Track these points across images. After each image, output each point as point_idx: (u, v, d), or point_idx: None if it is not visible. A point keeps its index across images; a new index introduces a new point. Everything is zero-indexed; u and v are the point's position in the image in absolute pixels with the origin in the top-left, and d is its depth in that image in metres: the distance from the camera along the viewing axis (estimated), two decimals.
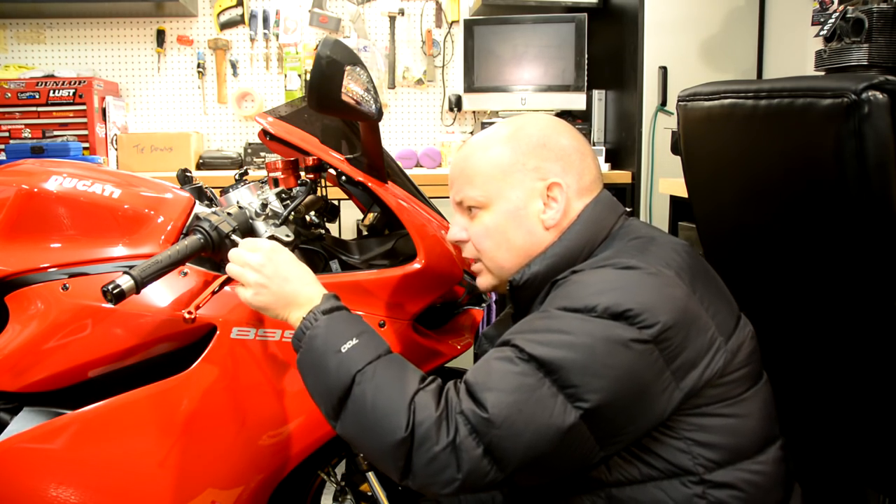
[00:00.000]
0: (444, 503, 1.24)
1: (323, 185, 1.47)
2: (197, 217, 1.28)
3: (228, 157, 3.05)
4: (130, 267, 1.08)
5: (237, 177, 1.36)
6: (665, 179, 2.39)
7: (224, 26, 3.20)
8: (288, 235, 1.23)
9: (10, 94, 2.80)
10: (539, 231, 1.07)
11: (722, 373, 0.97)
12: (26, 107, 2.82)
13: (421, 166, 3.10)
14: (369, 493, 1.43)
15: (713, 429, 0.98)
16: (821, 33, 1.78)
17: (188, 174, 1.43)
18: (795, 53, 2.60)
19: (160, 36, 3.19)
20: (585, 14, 2.94)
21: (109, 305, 1.08)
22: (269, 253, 1.10)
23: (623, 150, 2.87)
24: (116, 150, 2.96)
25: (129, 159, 2.92)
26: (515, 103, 2.97)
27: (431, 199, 1.47)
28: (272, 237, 1.21)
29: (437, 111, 3.32)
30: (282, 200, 1.28)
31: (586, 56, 2.94)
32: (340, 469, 1.51)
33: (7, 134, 2.81)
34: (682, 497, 0.97)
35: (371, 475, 1.34)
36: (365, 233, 1.54)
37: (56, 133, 2.80)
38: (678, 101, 1.35)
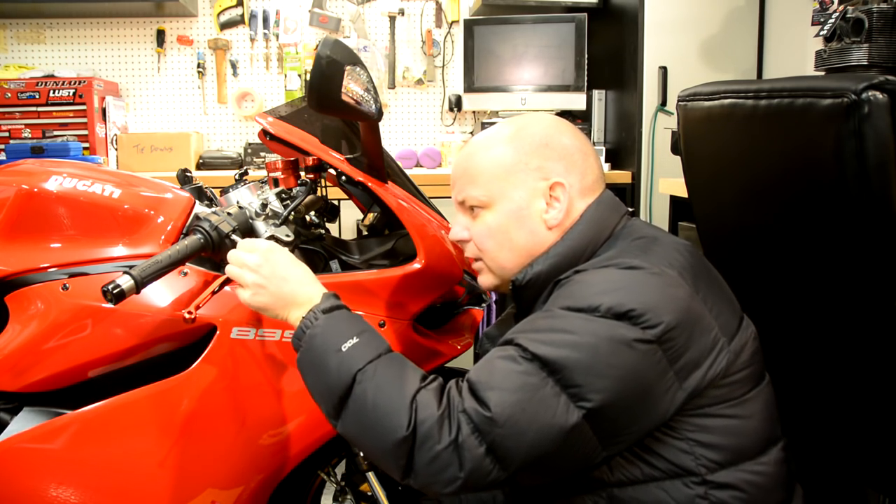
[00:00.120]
0: (445, 502, 1.24)
1: (323, 185, 1.47)
2: (197, 217, 1.28)
3: (228, 157, 3.05)
4: (130, 267, 1.08)
5: (237, 177, 1.36)
6: (665, 179, 2.39)
7: (224, 26, 3.20)
8: (288, 235, 1.23)
9: (10, 94, 2.80)
10: (541, 231, 1.07)
11: (725, 373, 0.97)
12: (26, 107, 2.82)
13: (421, 166, 3.10)
14: (369, 493, 1.43)
15: (716, 429, 0.97)
16: (821, 33, 1.79)
17: (188, 174, 1.43)
18: (795, 53, 2.60)
19: (160, 36, 3.19)
20: (585, 14, 2.94)
21: (109, 305, 1.08)
22: (265, 253, 1.10)
23: (623, 150, 2.87)
24: (116, 150, 2.96)
25: (129, 159, 2.92)
26: (515, 103, 2.97)
27: (431, 199, 1.47)
28: (272, 237, 1.21)
29: (437, 111, 3.32)
30: (282, 200, 1.28)
31: (586, 56, 2.94)
32: (340, 469, 1.51)
33: (7, 134, 2.81)
34: (684, 497, 0.97)
35: (371, 475, 1.34)
36: (365, 233, 1.54)
37: (56, 133, 2.80)
38: (678, 101, 1.35)
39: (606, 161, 2.92)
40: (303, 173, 1.33)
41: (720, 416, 0.98)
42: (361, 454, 1.34)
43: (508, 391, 0.91)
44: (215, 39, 3.20)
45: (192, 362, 1.21)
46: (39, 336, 1.20)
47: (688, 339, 0.94)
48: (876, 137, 0.95)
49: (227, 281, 1.20)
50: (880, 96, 0.94)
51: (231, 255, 1.12)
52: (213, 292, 1.18)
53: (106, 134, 2.93)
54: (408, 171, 1.70)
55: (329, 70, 1.12)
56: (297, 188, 1.30)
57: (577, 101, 2.95)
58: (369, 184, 1.28)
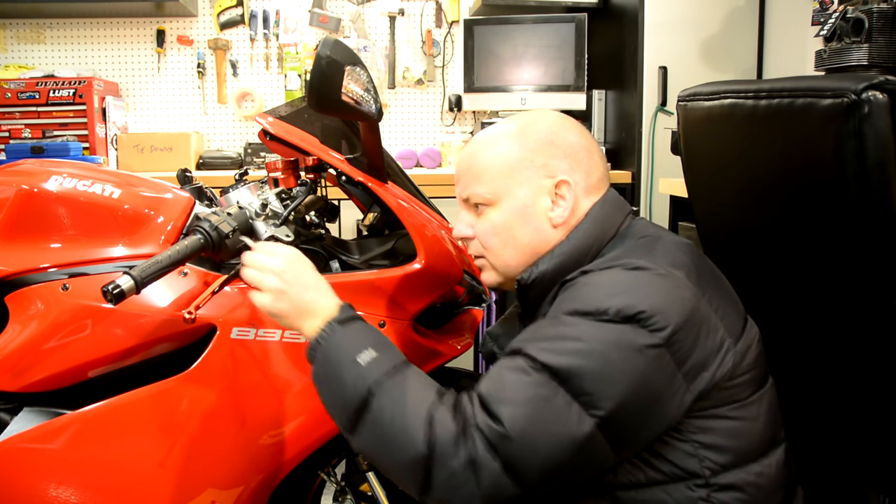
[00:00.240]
0: None
1: (323, 185, 1.47)
2: (197, 217, 1.28)
3: (228, 157, 3.05)
4: (130, 267, 1.07)
5: (237, 177, 1.36)
6: (665, 179, 2.39)
7: (224, 26, 3.20)
8: (288, 235, 1.23)
9: (10, 94, 2.80)
10: (546, 229, 1.06)
11: (731, 375, 0.97)
12: (26, 107, 2.82)
13: (421, 166, 3.10)
14: (369, 493, 1.43)
15: (720, 431, 0.97)
16: (821, 33, 1.79)
17: (188, 174, 1.43)
18: (795, 53, 2.60)
19: (160, 36, 3.19)
20: (585, 14, 2.94)
21: (109, 305, 1.08)
22: (290, 259, 1.08)
23: (623, 150, 2.87)
24: (116, 150, 2.96)
25: (129, 159, 2.92)
26: (515, 103, 2.97)
27: (431, 199, 1.47)
28: (272, 237, 1.21)
29: (437, 111, 3.32)
30: (282, 200, 1.28)
31: (586, 56, 2.94)
32: (340, 469, 1.51)
33: (7, 134, 2.81)
34: (687, 500, 0.96)
35: (371, 475, 1.34)
36: (365, 233, 1.54)
37: (56, 133, 2.80)
38: (678, 101, 1.35)
39: (606, 161, 2.92)
40: (303, 173, 1.33)
41: (725, 418, 0.97)
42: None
43: (520, 404, 0.89)
44: (215, 39, 3.20)
45: (192, 362, 1.21)
46: (39, 336, 1.20)
47: (695, 341, 0.94)
48: (876, 137, 0.95)
49: (228, 281, 1.20)
50: (880, 96, 0.94)
51: (250, 257, 1.10)
52: (213, 292, 1.18)
53: (106, 134, 2.93)
54: (408, 171, 1.70)
55: (329, 70, 1.12)
56: (297, 188, 1.30)
57: (577, 101, 2.95)
58: (369, 184, 1.28)
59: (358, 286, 1.27)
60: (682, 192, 1.53)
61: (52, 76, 2.91)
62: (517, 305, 1.23)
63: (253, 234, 1.23)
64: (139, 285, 1.06)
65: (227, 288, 1.21)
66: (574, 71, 2.94)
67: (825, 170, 1.02)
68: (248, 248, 1.15)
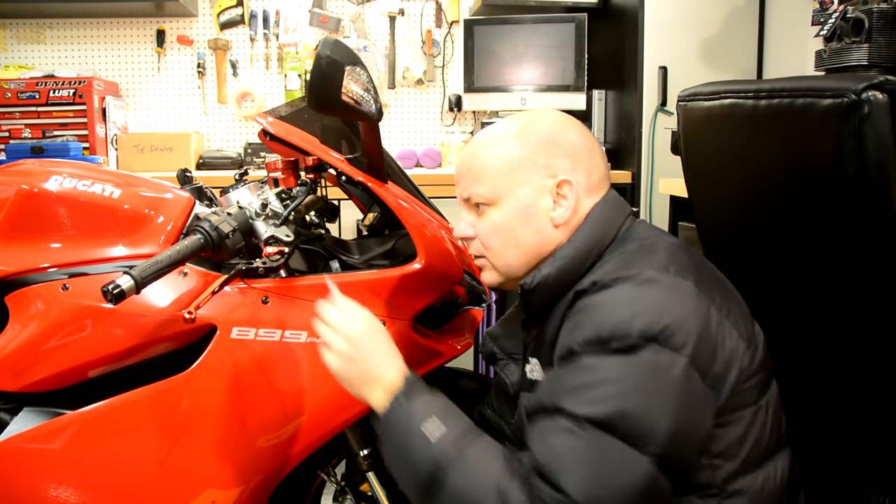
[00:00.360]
0: None
1: (323, 185, 1.47)
2: (197, 217, 1.28)
3: (228, 157, 3.05)
4: (130, 267, 1.07)
5: (237, 177, 1.36)
6: (665, 179, 2.39)
7: (224, 26, 3.20)
8: (288, 235, 1.23)
9: (10, 94, 2.80)
10: (548, 229, 1.06)
11: (746, 379, 0.97)
12: (26, 107, 2.82)
13: (421, 166, 3.10)
14: (369, 493, 1.43)
15: (730, 437, 0.97)
16: (821, 33, 1.79)
17: (188, 174, 1.43)
18: (795, 53, 2.60)
19: (160, 36, 3.19)
20: (585, 14, 2.94)
21: (109, 305, 1.08)
22: (367, 328, 1.06)
23: (623, 150, 2.87)
24: (116, 150, 2.96)
25: (129, 159, 2.92)
26: (515, 103, 2.97)
27: (431, 199, 1.47)
28: (272, 237, 1.21)
29: (437, 111, 3.32)
30: (282, 200, 1.28)
31: (586, 56, 2.94)
32: (340, 469, 1.51)
33: (7, 134, 2.81)
34: None
35: (371, 475, 1.34)
36: (365, 233, 1.54)
37: (56, 133, 2.80)
38: (678, 101, 1.35)
39: (607, 160, 2.92)
40: (303, 173, 1.33)
41: (734, 424, 0.97)
42: (362, 454, 1.34)
43: (578, 467, 0.88)
44: (215, 39, 3.20)
45: (192, 362, 1.21)
46: (39, 336, 1.20)
47: (714, 351, 0.93)
48: (876, 137, 0.95)
49: (227, 281, 1.20)
50: (880, 96, 0.94)
51: (328, 314, 1.08)
52: (213, 292, 1.18)
53: (106, 134, 2.93)
54: (408, 171, 1.70)
55: (329, 70, 1.12)
56: (297, 188, 1.30)
57: (577, 101, 2.95)
58: (369, 184, 1.28)
59: (358, 286, 1.27)
60: (682, 192, 1.53)
61: (52, 76, 2.91)
62: (517, 306, 1.23)
63: (253, 234, 1.23)
64: (139, 285, 1.06)
65: (227, 288, 1.21)
66: (574, 71, 2.94)
67: (825, 170, 1.02)
68: (247, 247, 1.15)
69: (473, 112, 3.29)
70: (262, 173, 1.36)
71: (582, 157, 1.07)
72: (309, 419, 1.25)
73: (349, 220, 2.54)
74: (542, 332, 1.08)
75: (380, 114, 1.19)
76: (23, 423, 1.24)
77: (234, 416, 1.23)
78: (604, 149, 2.94)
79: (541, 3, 3.01)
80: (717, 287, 1.01)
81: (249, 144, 3.10)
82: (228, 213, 1.21)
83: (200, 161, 3.04)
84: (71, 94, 2.82)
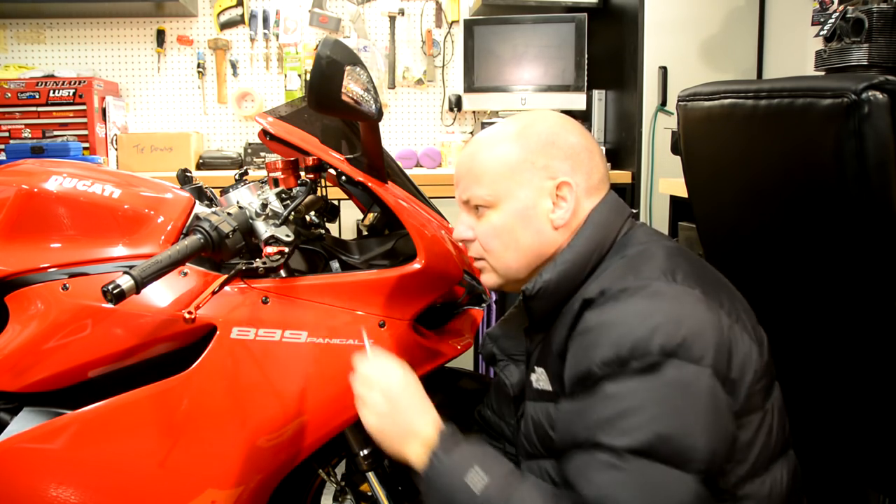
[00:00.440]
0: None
1: (323, 185, 1.47)
2: (197, 217, 1.28)
3: (228, 157, 3.05)
4: (130, 267, 1.08)
5: (237, 177, 1.36)
6: (665, 179, 2.39)
7: (224, 26, 3.20)
8: (288, 235, 1.23)
9: (10, 94, 2.80)
10: (548, 231, 1.06)
11: (756, 381, 0.97)
12: (26, 107, 2.82)
13: (421, 166, 3.10)
14: (369, 493, 1.43)
15: (741, 442, 0.96)
16: (821, 33, 1.79)
17: (188, 174, 1.43)
18: (795, 53, 2.60)
19: (160, 36, 3.19)
20: (585, 14, 2.94)
21: (109, 305, 1.08)
22: (403, 383, 1.06)
23: (623, 150, 2.87)
24: (116, 150, 2.96)
25: (129, 159, 2.92)
26: (515, 103, 2.97)
27: (431, 199, 1.47)
28: (272, 237, 1.21)
29: (437, 111, 3.32)
30: (282, 200, 1.28)
31: (586, 56, 2.94)
32: (340, 469, 1.51)
33: (7, 134, 2.81)
34: None
35: (371, 475, 1.34)
36: (365, 233, 1.54)
37: (56, 133, 2.80)
38: (678, 101, 1.35)
39: (607, 161, 2.93)
40: (303, 173, 1.33)
41: (745, 429, 0.97)
42: (362, 454, 1.34)
43: (629, 501, 0.87)
44: (215, 39, 3.20)
45: (192, 362, 1.21)
46: (39, 336, 1.20)
47: (729, 357, 0.93)
48: (876, 137, 0.95)
49: (227, 281, 1.20)
50: (880, 96, 0.94)
51: (364, 369, 1.08)
52: (213, 292, 1.18)
53: (106, 134, 2.93)
54: (408, 171, 1.70)
55: (329, 70, 1.12)
56: (297, 188, 1.30)
57: (577, 101, 2.95)
58: (369, 184, 1.28)
59: (358, 286, 1.27)
60: (682, 192, 1.53)
61: (52, 76, 2.91)
62: (517, 307, 1.23)
63: (253, 234, 1.23)
64: (139, 285, 1.06)
65: (227, 288, 1.21)
66: (574, 71, 2.94)
67: (825, 170, 1.02)
68: (247, 247, 1.15)
69: (473, 112, 3.29)
70: (262, 173, 1.36)
71: (581, 159, 1.07)
72: (309, 419, 1.25)
73: (349, 220, 2.54)
74: (548, 340, 1.07)
75: (380, 114, 1.19)
76: (23, 423, 1.24)
77: (234, 416, 1.23)
78: (603, 149, 2.95)
79: (541, 3, 3.01)
80: (723, 291, 1.01)
81: (249, 144, 3.10)
82: (228, 213, 1.21)
83: (200, 161, 3.04)
84: (71, 94, 2.82)
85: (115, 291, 1.04)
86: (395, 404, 1.04)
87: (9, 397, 1.26)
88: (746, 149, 1.19)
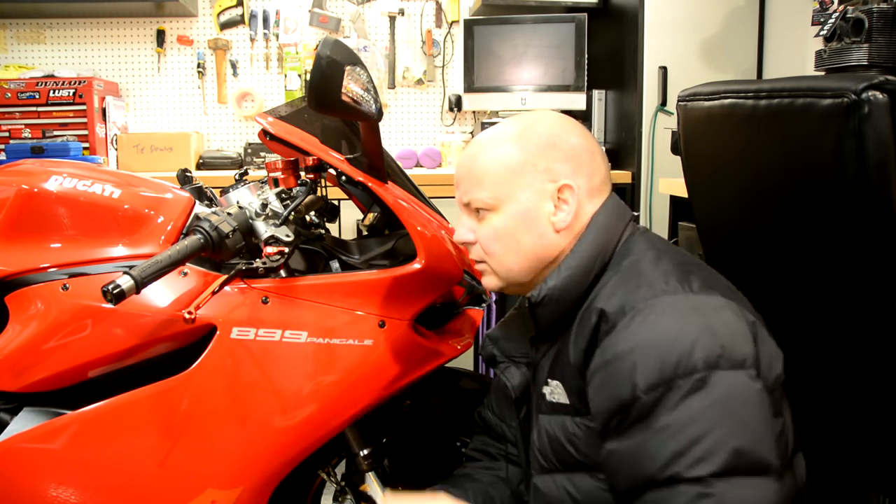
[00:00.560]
0: None
1: (323, 185, 1.47)
2: (197, 217, 1.28)
3: (228, 157, 3.05)
4: (130, 267, 1.08)
5: (237, 177, 1.36)
6: (665, 179, 2.39)
7: (224, 26, 3.20)
8: (288, 235, 1.23)
9: (10, 94, 2.80)
10: (549, 234, 1.05)
11: (781, 376, 0.97)
12: (26, 107, 2.82)
13: (421, 166, 3.10)
14: (369, 493, 1.43)
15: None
16: (821, 33, 1.79)
17: (188, 174, 1.43)
18: (795, 53, 2.60)
19: (160, 36, 3.19)
20: (585, 14, 2.94)
21: (109, 305, 1.08)
22: None
23: (623, 150, 2.87)
24: (116, 150, 2.96)
25: (129, 159, 2.92)
26: (515, 103, 2.97)
27: (431, 199, 1.47)
28: (272, 237, 1.21)
29: (437, 111, 3.32)
30: (282, 200, 1.28)
31: (586, 56, 2.94)
32: (340, 469, 1.51)
33: (7, 134, 2.81)
34: None
35: (371, 475, 1.34)
36: (365, 233, 1.54)
37: (56, 133, 2.80)
38: (678, 101, 1.35)
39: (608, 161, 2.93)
40: (303, 173, 1.33)
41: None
42: (362, 454, 1.34)
43: None
44: (215, 39, 3.20)
45: (192, 362, 1.21)
46: (39, 336, 1.20)
47: (759, 356, 0.93)
48: (876, 137, 0.95)
49: (227, 281, 1.20)
50: (880, 96, 0.94)
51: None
52: (213, 292, 1.18)
53: (106, 134, 2.93)
54: (408, 171, 1.70)
55: (329, 70, 1.12)
56: (297, 188, 1.30)
57: (577, 101, 2.95)
58: (369, 184, 1.27)
59: (358, 286, 1.27)
60: (682, 192, 1.53)
61: (52, 76, 2.91)
62: (518, 308, 1.23)
63: (253, 234, 1.23)
64: (139, 285, 1.06)
65: (227, 288, 1.21)
66: (574, 71, 2.94)
67: (825, 170, 1.02)
68: (247, 247, 1.15)
69: (473, 112, 3.29)
70: (262, 173, 1.36)
71: (583, 161, 1.06)
72: (309, 419, 1.25)
73: (349, 220, 2.54)
74: (563, 352, 1.05)
75: (380, 114, 1.19)
76: (23, 423, 1.24)
77: (234, 416, 1.23)
78: (604, 149, 2.94)
79: (541, 3, 3.01)
80: (732, 292, 1.01)
81: (249, 144, 3.10)
82: (228, 213, 1.21)
83: (200, 161, 3.04)
84: (71, 94, 2.82)
85: (115, 291, 1.04)
86: None
87: (9, 397, 1.26)
88: (746, 149, 1.19)
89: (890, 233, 0.98)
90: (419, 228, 1.27)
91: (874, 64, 1.66)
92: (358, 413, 1.26)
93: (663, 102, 2.70)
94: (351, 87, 1.14)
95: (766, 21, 2.76)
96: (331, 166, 1.31)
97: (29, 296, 1.22)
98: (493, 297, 2.53)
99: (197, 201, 1.32)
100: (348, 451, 1.40)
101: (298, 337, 1.23)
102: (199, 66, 3.20)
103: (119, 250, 1.24)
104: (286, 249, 1.21)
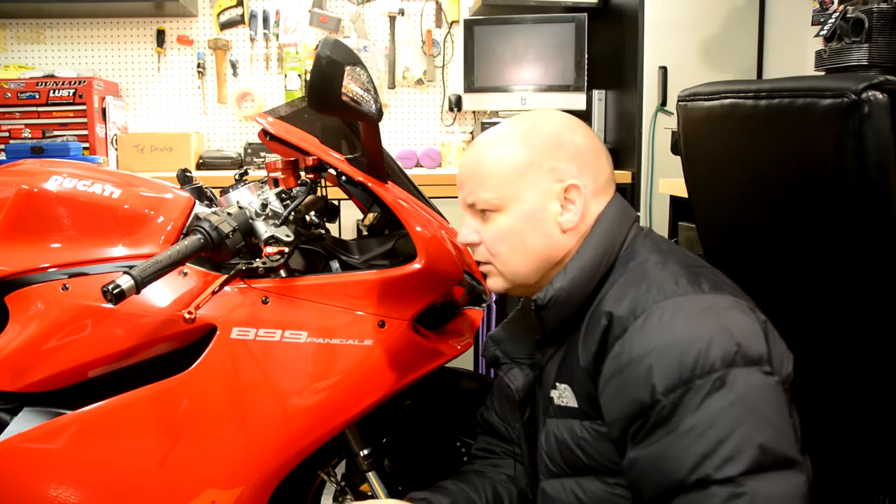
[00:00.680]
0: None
1: (323, 185, 1.47)
2: (197, 217, 1.28)
3: (228, 157, 3.05)
4: (130, 267, 1.08)
5: (237, 177, 1.36)
6: (665, 179, 2.39)
7: (224, 26, 3.20)
8: (288, 235, 1.23)
9: (10, 94, 2.80)
10: (556, 234, 1.04)
11: (791, 373, 0.97)
12: (26, 107, 2.82)
13: (421, 166, 3.10)
14: (369, 494, 1.43)
15: None
16: (821, 33, 1.78)
17: (188, 174, 1.43)
18: (795, 53, 2.60)
19: (160, 36, 3.19)
20: (585, 14, 2.94)
21: (109, 305, 1.08)
22: None
23: (623, 150, 2.87)
24: (116, 150, 2.96)
25: (129, 159, 2.92)
26: (515, 103, 2.97)
27: (431, 199, 1.47)
28: (272, 237, 1.21)
29: (437, 111, 3.32)
30: (282, 200, 1.28)
31: (586, 56, 2.94)
32: (340, 469, 1.51)
33: (7, 134, 2.81)
34: None
35: (371, 475, 1.34)
36: (365, 233, 1.54)
37: (56, 133, 2.80)
38: (678, 101, 1.35)
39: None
40: (303, 173, 1.33)
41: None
42: (362, 454, 1.34)
43: None
44: (215, 39, 3.20)
45: (192, 362, 1.21)
46: (39, 336, 1.20)
47: (771, 353, 0.93)
48: (876, 137, 0.95)
49: (227, 281, 1.20)
50: (880, 96, 0.94)
51: None
52: (213, 292, 1.18)
53: (106, 134, 2.93)
54: (408, 171, 1.70)
55: (329, 70, 1.12)
56: (297, 188, 1.30)
57: (577, 101, 2.95)
58: (369, 184, 1.27)
59: (358, 286, 1.27)
60: (682, 192, 1.53)
61: (52, 76, 2.91)
62: (521, 309, 1.22)
63: (253, 234, 1.23)
64: (139, 285, 1.06)
65: (227, 288, 1.21)
66: (574, 71, 2.94)
67: (825, 170, 1.02)
68: (247, 247, 1.15)
69: (473, 112, 3.29)
70: (262, 173, 1.36)
71: (588, 160, 1.05)
72: (309, 419, 1.25)
73: (349, 220, 2.54)
74: (571, 356, 1.04)
75: (380, 114, 1.19)
76: (23, 423, 1.24)
77: (234, 416, 1.23)
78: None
79: (541, 3, 3.01)
80: (740, 293, 1.01)
81: (249, 144, 3.10)
82: (228, 213, 1.21)
83: (200, 161, 3.04)
84: (71, 94, 2.82)
85: (115, 291, 1.04)
86: None
87: (9, 397, 1.26)
88: (746, 149, 1.19)
89: (890, 233, 0.98)
90: (419, 228, 1.27)
91: (874, 64, 1.66)
92: (358, 413, 1.26)
93: (663, 102, 2.70)
94: (351, 87, 1.14)
95: (766, 21, 2.76)
96: (331, 166, 1.31)
97: (29, 296, 1.22)
98: (493, 298, 2.53)
99: (197, 201, 1.32)
100: (348, 451, 1.40)
101: (298, 337, 1.23)
102: (199, 66, 3.20)
103: (119, 250, 1.24)
104: (286, 249, 1.21)
